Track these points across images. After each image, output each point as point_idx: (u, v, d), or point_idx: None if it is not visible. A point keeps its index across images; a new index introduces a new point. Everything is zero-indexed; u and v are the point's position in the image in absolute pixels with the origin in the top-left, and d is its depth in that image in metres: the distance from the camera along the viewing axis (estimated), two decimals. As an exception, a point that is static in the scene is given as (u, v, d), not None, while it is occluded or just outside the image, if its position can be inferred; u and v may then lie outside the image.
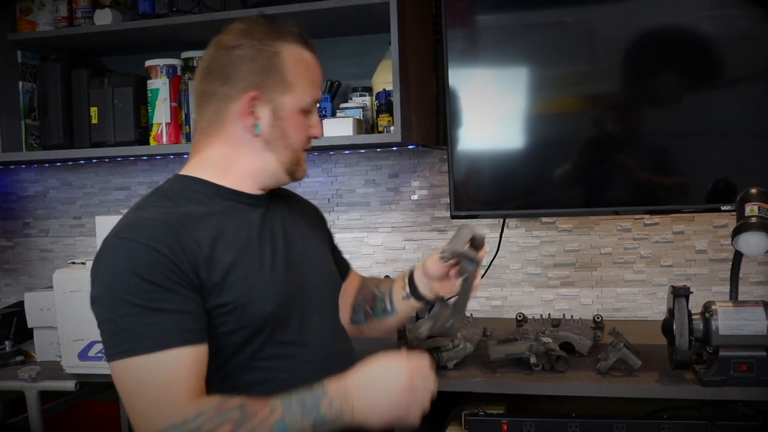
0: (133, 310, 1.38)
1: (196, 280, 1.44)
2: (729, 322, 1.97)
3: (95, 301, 1.44)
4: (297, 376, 1.55)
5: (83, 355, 2.31)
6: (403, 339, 2.42)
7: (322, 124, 1.65)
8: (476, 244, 1.76)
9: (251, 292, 1.51)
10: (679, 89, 2.48)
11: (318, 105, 1.70)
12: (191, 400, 1.37)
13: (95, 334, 2.21)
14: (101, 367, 2.27)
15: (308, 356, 1.62)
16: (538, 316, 2.61)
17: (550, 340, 2.20)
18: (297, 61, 1.61)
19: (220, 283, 1.47)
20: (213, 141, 1.62)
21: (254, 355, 1.54)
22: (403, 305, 1.90)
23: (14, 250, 3.45)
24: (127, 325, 1.39)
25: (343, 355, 1.72)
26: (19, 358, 2.61)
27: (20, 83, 2.95)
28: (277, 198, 1.74)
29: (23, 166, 3.35)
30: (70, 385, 2.32)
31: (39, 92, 2.98)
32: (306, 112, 1.63)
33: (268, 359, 1.56)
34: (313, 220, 1.89)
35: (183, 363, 1.39)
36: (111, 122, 2.87)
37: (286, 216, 1.72)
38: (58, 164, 3.32)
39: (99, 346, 2.27)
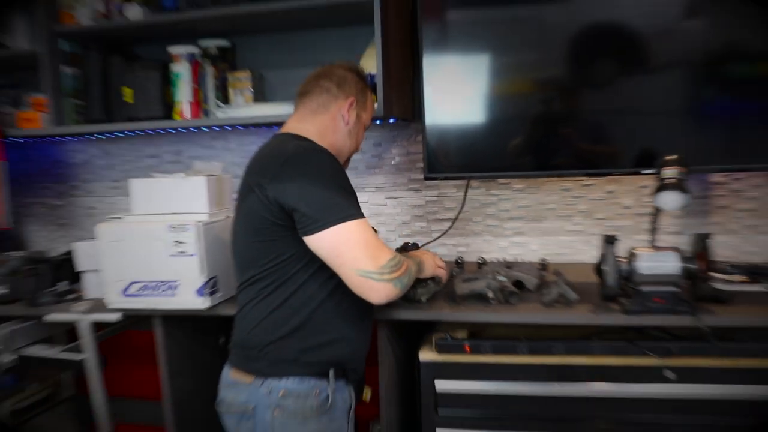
0: (344, 193, 1.75)
1: None
2: (648, 263, 2.00)
3: (308, 186, 1.72)
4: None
5: (124, 293, 2.32)
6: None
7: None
8: None
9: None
10: (613, 74, 2.47)
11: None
12: (388, 248, 1.79)
13: (133, 275, 2.29)
14: (139, 303, 2.32)
15: None
16: (495, 260, 2.64)
17: (505, 279, 2.22)
18: (370, 96, 2.11)
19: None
20: (318, 118, 1.97)
21: None
22: None
23: (65, 208, 3.44)
24: (346, 201, 1.73)
25: None
26: (71, 296, 2.63)
27: (65, 68, 2.91)
28: None
29: (70, 138, 3.33)
30: (114, 317, 2.34)
31: (81, 76, 2.95)
32: (365, 128, 2.11)
33: None
34: None
35: (370, 227, 1.76)
36: (142, 101, 2.87)
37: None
38: (99, 136, 3.30)
39: (137, 285, 2.30)
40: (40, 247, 3.43)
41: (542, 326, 2.13)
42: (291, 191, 1.72)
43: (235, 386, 1.87)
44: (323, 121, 1.98)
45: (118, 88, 2.92)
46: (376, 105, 2.22)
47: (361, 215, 1.74)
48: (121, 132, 3.05)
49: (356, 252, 1.71)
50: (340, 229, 1.70)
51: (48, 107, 2.90)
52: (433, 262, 2.14)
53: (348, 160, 2.10)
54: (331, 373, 1.84)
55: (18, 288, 2.57)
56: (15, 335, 2.47)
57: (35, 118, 3.00)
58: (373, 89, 2.59)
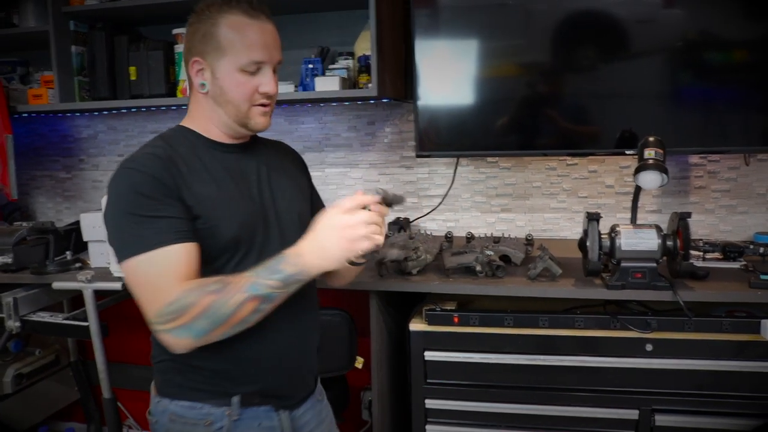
0: (135, 219, 1.35)
1: (180, 198, 1.40)
2: (629, 240, 1.98)
3: (105, 218, 1.41)
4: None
5: (127, 263, 2.28)
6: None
7: (275, 81, 1.50)
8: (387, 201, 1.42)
9: (219, 217, 1.43)
10: (595, 59, 2.45)
11: (276, 64, 1.53)
12: (182, 284, 1.33)
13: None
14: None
15: None
16: (483, 235, 2.62)
17: (492, 253, 2.21)
18: (231, 27, 1.46)
19: (195, 207, 1.41)
20: (192, 98, 1.55)
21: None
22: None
23: (72, 181, 3.39)
24: (131, 232, 1.36)
25: (306, 302, 1.57)
26: (77, 265, 2.59)
27: (72, 47, 2.88)
28: (258, 145, 1.62)
29: (77, 114, 3.28)
30: (117, 285, 2.30)
31: (88, 55, 2.91)
32: (248, 71, 1.47)
33: None
34: (294, 165, 1.70)
35: (174, 257, 1.35)
36: (146, 79, 2.82)
37: (263, 161, 1.58)
38: (105, 113, 3.24)
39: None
40: (48, 218, 3.39)
41: (527, 299, 2.11)
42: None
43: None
44: (194, 101, 1.55)
45: (123, 66, 2.87)
46: (257, 34, 1.48)
47: (150, 246, 1.35)
48: (126, 108, 3.01)
49: (138, 295, 1.37)
50: (125, 268, 1.37)
51: (56, 84, 2.86)
52: (343, 238, 1.33)
53: (247, 115, 1.51)
54: (236, 400, 1.49)
55: (25, 257, 2.51)
56: (21, 302, 2.42)
57: (44, 95, 2.96)
58: (368, 70, 2.55)
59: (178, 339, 1.34)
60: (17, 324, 2.39)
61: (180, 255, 1.36)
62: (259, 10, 1.50)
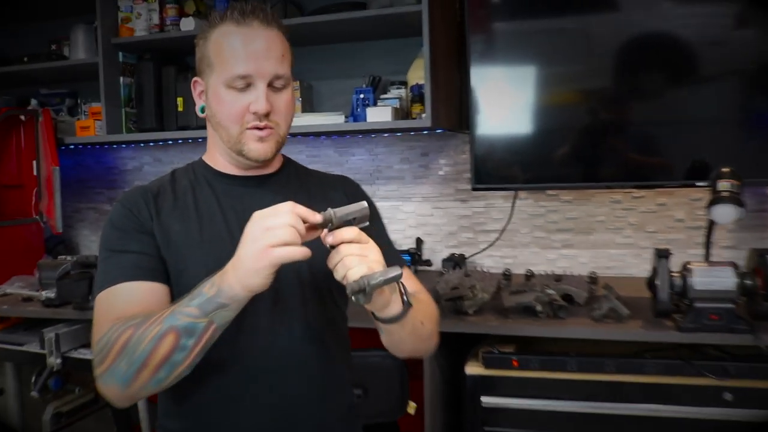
0: (106, 254, 1.29)
1: (152, 234, 1.31)
2: (703, 279, 1.92)
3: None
4: (238, 361, 1.30)
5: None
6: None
7: (266, 98, 1.30)
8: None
9: (186, 260, 1.29)
10: (661, 84, 2.43)
11: (273, 78, 1.33)
12: (111, 323, 1.20)
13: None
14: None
15: (248, 343, 1.30)
16: (543, 272, 2.57)
17: (554, 292, 2.18)
18: (217, 40, 1.33)
19: (162, 247, 1.30)
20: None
21: None
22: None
23: (117, 214, 3.45)
24: (101, 267, 1.30)
25: (304, 355, 1.34)
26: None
27: (121, 78, 2.96)
28: (289, 178, 1.46)
29: (123, 145, 3.36)
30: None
31: (135, 85, 2.99)
32: (235, 88, 1.31)
33: None
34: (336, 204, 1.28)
35: (124, 295, 1.24)
36: (193, 110, 2.81)
37: (286, 197, 1.18)
38: (151, 144, 3.31)
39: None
40: (92, 252, 3.44)
41: (592, 342, 2.06)
42: None
43: None
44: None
45: (171, 97, 2.93)
46: (241, 44, 1.31)
47: (108, 282, 1.25)
48: (173, 140, 3.08)
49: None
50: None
51: (103, 115, 2.94)
52: (256, 244, 1.10)
53: (239, 140, 1.33)
54: None
55: (68, 292, 2.55)
56: (63, 338, 2.45)
57: (91, 126, 3.04)
58: (421, 100, 2.56)
59: (107, 387, 1.19)
60: (58, 361, 2.42)
61: (132, 293, 1.24)
62: (253, 16, 1.33)
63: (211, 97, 1.35)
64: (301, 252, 1.10)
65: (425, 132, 2.83)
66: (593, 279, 2.44)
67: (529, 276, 2.50)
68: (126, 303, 1.23)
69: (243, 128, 1.33)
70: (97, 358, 1.18)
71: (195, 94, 1.41)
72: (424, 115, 2.51)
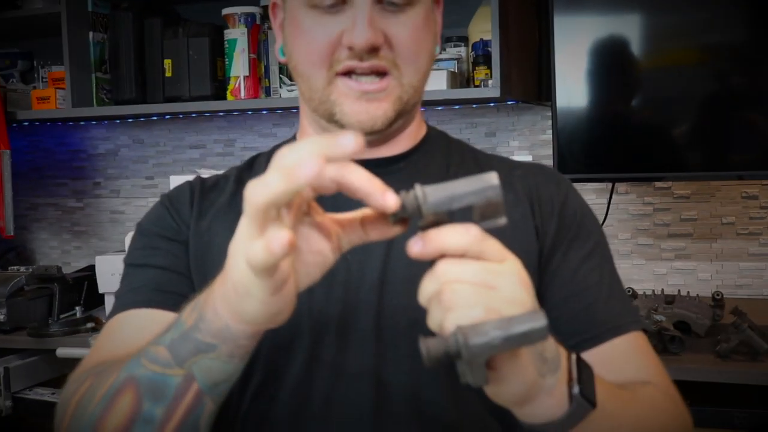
0: (124, 270, 1.23)
1: (185, 242, 1.22)
2: None
3: None
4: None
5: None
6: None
7: (370, 21, 1.06)
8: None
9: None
10: None
11: None
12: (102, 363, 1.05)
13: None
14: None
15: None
16: (649, 292, 2.57)
17: (664, 319, 2.18)
18: None
19: (197, 259, 1.20)
20: None
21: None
22: None
23: (84, 212, 3.51)
24: (119, 288, 1.24)
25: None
26: (89, 325, 2.63)
27: (90, 34, 2.96)
28: (415, 163, 1.25)
29: (93, 122, 3.39)
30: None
31: (110, 43, 3.00)
32: (320, 6, 1.10)
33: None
34: (520, 215, 1.18)
35: (135, 326, 1.14)
36: (186, 75, 2.88)
37: None
38: (130, 120, 3.35)
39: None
40: (52, 262, 3.50)
41: (716, 386, 2.05)
42: None
43: None
44: None
45: (156, 58, 2.94)
46: None
47: (117, 308, 1.18)
48: (158, 115, 3.11)
49: None
50: None
51: (67, 83, 2.95)
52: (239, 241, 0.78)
53: (326, 93, 1.12)
54: None
55: (22, 313, 2.60)
56: (14, 374, 2.50)
57: (51, 97, 3.05)
58: (487, 62, 2.59)
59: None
60: (8, 403, 2.46)
61: (141, 325, 1.13)
62: None
63: (288, 27, 1.17)
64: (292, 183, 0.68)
65: (492, 104, 2.84)
66: (718, 301, 2.42)
67: (631, 297, 2.49)
68: (130, 338, 1.09)
69: (332, 75, 1.11)
70: (59, 414, 1.02)
71: (275, 26, 1.24)
72: (490, 82, 2.52)
